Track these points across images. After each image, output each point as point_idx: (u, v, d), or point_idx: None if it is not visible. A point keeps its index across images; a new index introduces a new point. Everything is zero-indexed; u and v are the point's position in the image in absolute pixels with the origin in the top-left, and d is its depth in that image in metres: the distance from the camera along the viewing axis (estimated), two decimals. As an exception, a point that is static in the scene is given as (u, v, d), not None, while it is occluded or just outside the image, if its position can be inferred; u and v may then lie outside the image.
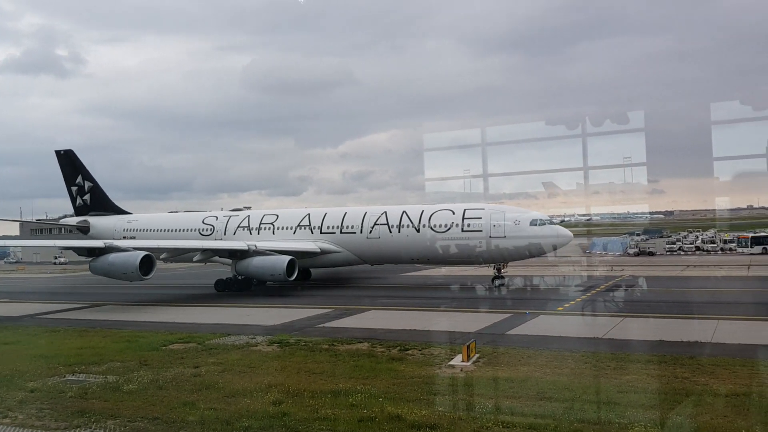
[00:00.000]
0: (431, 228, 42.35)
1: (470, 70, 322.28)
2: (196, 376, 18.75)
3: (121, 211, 60.01)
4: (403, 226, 43.28)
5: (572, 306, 32.91)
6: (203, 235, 50.87)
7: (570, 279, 43.35)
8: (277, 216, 49.60)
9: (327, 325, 28.68)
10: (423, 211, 43.37)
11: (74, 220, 61.42)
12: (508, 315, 29.55)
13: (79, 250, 43.77)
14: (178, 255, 46.83)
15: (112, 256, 37.42)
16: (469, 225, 41.27)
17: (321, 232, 46.38)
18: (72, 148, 60.13)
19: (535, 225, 40.16)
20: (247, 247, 42.39)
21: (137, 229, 55.83)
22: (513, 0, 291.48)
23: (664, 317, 28.94)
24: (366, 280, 51.33)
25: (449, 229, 41.75)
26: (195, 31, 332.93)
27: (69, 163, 60.30)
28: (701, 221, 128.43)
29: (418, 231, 42.76)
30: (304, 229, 47.08)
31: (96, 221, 59.00)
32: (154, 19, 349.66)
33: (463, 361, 19.28)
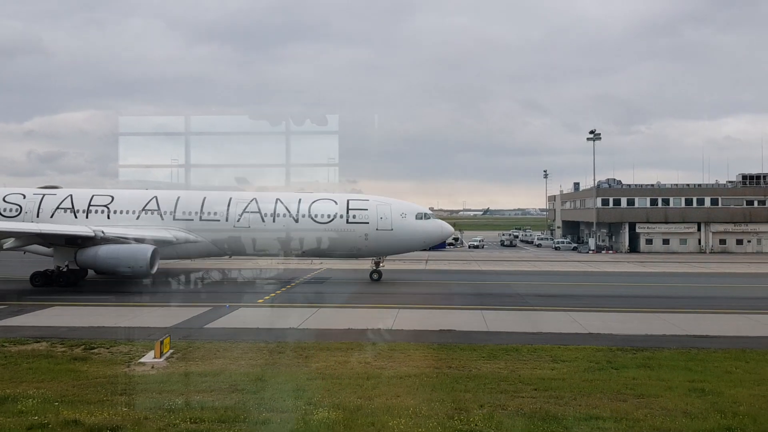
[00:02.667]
0: (312, 218, 39.83)
1: (178, 57, 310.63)
2: None
3: None
4: (278, 215, 39.94)
5: (273, 297, 33.83)
6: (5, 217, 40.64)
7: (272, 272, 44.37)
8: (113, 197, 41.81)
9: (-4, 323, 25.18)
10: (301, 200, 40.59)
11: None
12: (208, 308, 29.13)
13: None
14: None
15: None
16: (354, 216, 39.80)
17: (174, 218, 40.46)
18: None
19: (421, 219, 40.62)
20: (93, 233, 35.30)
21: None
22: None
23: (356, 307, 31.32)
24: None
25: (332, 220, 39.70)
26: None
27: None
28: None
29: (296, 221, 39.80)
30: (151, 213, 40.64)
31: None
32: None
33: (155, 357, 18.58)
